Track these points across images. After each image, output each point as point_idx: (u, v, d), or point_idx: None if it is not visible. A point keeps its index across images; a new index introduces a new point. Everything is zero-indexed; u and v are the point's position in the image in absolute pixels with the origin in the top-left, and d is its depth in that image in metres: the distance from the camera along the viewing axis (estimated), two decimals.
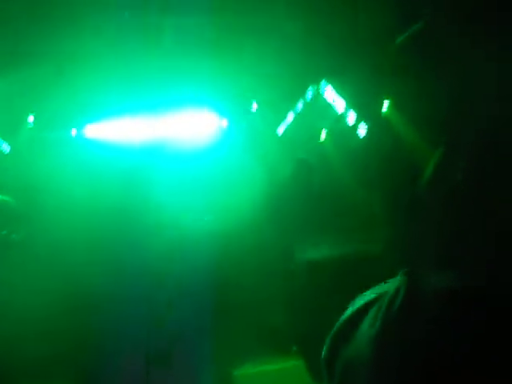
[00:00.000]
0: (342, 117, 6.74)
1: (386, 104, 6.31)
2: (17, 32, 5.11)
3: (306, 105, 6.75)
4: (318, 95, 6.65)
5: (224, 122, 7.06)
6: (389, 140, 5.99)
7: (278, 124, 7.19)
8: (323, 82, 6.52)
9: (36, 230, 5.27)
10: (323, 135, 7.12)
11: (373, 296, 0.80)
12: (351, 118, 6.68)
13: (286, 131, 7.13)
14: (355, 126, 6.54)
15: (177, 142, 6.92)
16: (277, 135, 7.19)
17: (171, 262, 5.27)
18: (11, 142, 6.68)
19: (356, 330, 0.79)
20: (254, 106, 7.01)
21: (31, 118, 6.64)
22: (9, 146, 6.70)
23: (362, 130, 6.57)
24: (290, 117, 7.04)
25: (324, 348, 0.84)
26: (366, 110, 6.55)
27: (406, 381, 0.69)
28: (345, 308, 0.88)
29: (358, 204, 5.79)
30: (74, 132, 6.90)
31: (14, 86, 5.67)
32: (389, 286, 0.77)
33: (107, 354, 4.43)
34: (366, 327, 0.78)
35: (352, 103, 6.65)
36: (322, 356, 0.84)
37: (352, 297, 0.88)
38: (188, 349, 4.82)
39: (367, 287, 0.84)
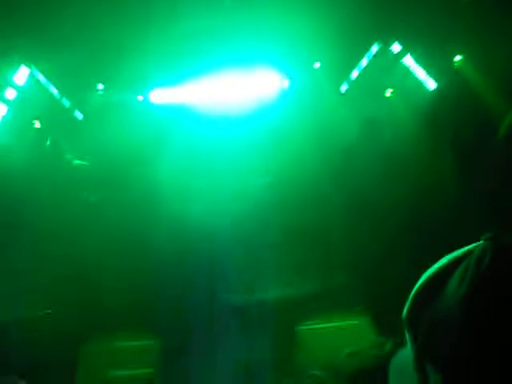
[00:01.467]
0: (410, 72, 6.46)
1: (458, 57, 5.97)
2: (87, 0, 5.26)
3: (370, 61, 6.50)
4: (383, 51, 6.38)
5: (286, 82, 6.98)
6: (463, 93, 5.68)
7: (341, 82, 7.00)
8: (389, 38, 6.24)
9: (110, 193, 5.56)
10: (389, 92, 6.87)
11: (458, 255, 0.79)
12: (420, 72, 6.39)
13: (349, 89, 6.94)
14: (424, 81, 6.26)
15: (239, 102, 6.94)
16: (340, 93, 7.01)
17: (237, 225, 5.38)
18: (83, 109, 7.03)
19: (441, 290, 0.78)
20: (317, 65, 6.85)
21: (100, 86, 6.91)
22: (81, 113, 7.06)
23: (433, 84, 6.27)
24: (354, 74, 6.82)
25: (406, 306, 0.84)
26: (436, 64, 6.23)
27: (502, 338, 0.68)
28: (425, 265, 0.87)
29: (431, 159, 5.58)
30: (140, 97, 7.11)
31: (83, 54, 5.88)
32: (473, 247, 0.76)
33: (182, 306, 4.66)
34: (454, 287, 0.76)
35: (420, 57, 6.35)
36: (404, 315, 0.84)
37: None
38: (256, 304, 5.00)
39: None
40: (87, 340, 4.33)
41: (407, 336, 0.83)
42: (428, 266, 0.85)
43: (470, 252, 0.77)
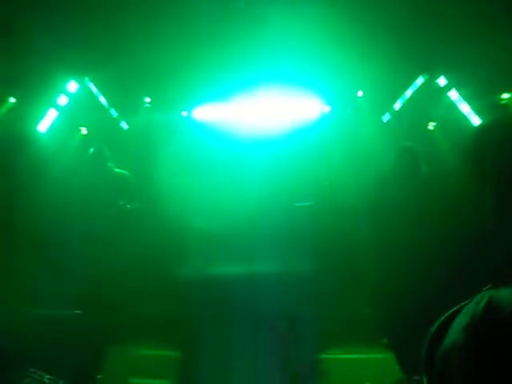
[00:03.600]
0: (455, 106, 6.39)
1: (505, 95, 5.88)
2: (140, 18, 5.50)
3: (414, 93, 6.48)
4: (428, 83, 6.36)
5: (328, 107, 7.03)
6: (509, 132, 5.56)
7: (383, 111, 6.99)
8: (436, 71, 6.21)
9: (147, 202, 5.69)
10: (432, 124, 6.80)
11: (462, 304, 0.86)
12: (465, 107, 6.31)
13: (391, 119, 6.92)
14: (469, 116, 6.18)
15: (280, 124, 7.02)
16: (382, 122, 7.00)
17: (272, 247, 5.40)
18: (129, 120, 7.28)
19: (449, 328, 0.84)
20: (360, 93, 6.88)
21: (148, 99, 7.14)
22: (127, 124, 7.31)
23: (477, 120, 6.18)
24: (397, 104, 6.80)
25: (422, 351, 0.89)
26: (482, 100, 6.15)
27: (501, 362, 0.73)
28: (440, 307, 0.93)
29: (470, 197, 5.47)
30: (184, 113, 7.30)
31: (134, 68, 6.12)
32: (476, 296, 0.83)
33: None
34: (458, 321, 0.83)
35: (466, 93, 6.28)
36: (422, 359, 0.89)
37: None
38: (278, 330, 4.96)
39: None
40: (113, 344, 4.40)
41: (426, 380, 0.88)
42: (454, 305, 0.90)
43: (472, 299, 0.84)
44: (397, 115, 6.80)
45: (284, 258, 5.35)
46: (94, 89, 6.69)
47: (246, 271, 5.22)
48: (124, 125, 7.31)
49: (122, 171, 5.39)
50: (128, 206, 5.15)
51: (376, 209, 5.36)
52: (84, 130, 7.06)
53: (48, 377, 2.75)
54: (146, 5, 5.33)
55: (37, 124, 6.38)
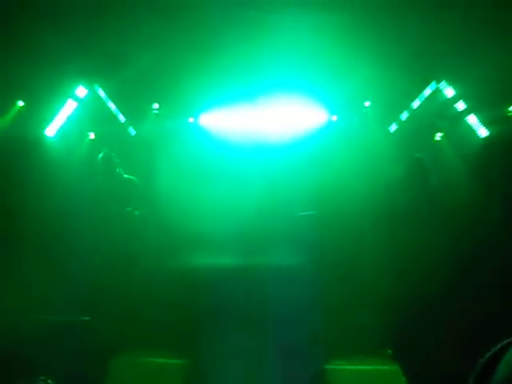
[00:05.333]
0: (462, 116, 6.40)
1: None
2: (149, 25, 5.53)
3: (422, 103, 6.49)
4: (436, 94, 6.37)
5: (334, 116, 7.04)
6: None
7: (390, 121, 7.00)
8: (443, 81, 6.22)
9: (155, 208, 5.71)
10: (439, 135, 6.81)
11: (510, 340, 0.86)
12: (472, 118, 6.32)
13: (398, 129, 6.92)
14: (476, 127, 6.19)
15: (286, 135, 7.03)
16: (389, 133, 7.01)
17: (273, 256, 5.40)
18: (136, 126, 7.30)
19: (499, 363, 0.85)
20: (367, 103, 6.89)
21: (156, 106, 7.17)
22: (134, 130, 7.33)
23: (484, 131, 6.19)
24: (404, 115, 6.81)
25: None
26: (490, 111, 6.16)
27: None
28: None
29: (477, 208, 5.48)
30: (191, 120, 7.32)
31: (142, 74, 6.15)
32: None
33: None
34: (510, 356, 0.84)
35: (472, 103, 6.29)
36: None
37: None
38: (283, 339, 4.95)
39: None
40: (120, 352, 4.39)
41: None
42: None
43: None
44: (404, 125, 6.81)
45: (288, 266, 5.35)
46: (102, 94, 6.72)
47: (250, 278, 5.22)
48: (132, 131, 7.33)
49: (130, 177, 5.41)
50: (136, 212, 5.16)
51: (383, 218, 5.36)
52: (92, 136, 7.09)
53: None
54: (156, 12, 5.35)
55: (45, 128, 6.41)
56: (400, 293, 5.09)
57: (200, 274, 5.17)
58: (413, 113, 6.66)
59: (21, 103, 6.20)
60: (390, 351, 5.01)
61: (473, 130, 6.31)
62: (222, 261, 5.42)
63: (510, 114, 5.99)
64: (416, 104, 6.57)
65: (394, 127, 6.99)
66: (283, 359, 4.58)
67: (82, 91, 6.54)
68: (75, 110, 6.57)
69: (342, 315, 5.24)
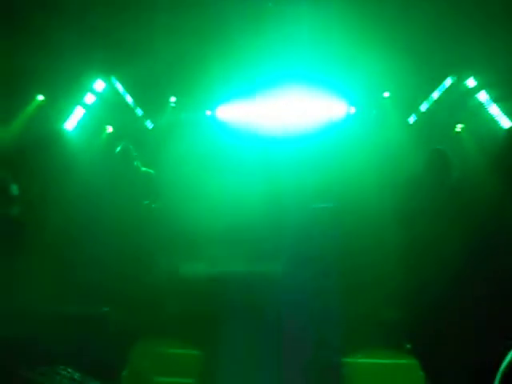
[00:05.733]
0: (483, 108, 6.26)
1: None
2: (166, 17, 5.54)
3: (442, 94, 6.37)
4: (456, 85, 6.24)
5: (353, 108, 6.97)
6: None
7: (410, 113, 6.89)
8: (464, 72, 6.11)
9: (170, 202, 5.73)
10: (460, 126, 6.68)
11: None
12: (494, 109, 6.19)
13: (418, 121, 6.81)
14: (498, 118, 6.06)
15: (304, 126, 6.99)
16: (408, 124, 6.90)
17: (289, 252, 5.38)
18: (154, 119, 7.33)
19: None
20: (386, 94, 6.79)
21: (173, 99, 7.18)
22: (152, 123, 7.37)
23: (507, 123, 6.05)
24: (424, 106, 6.70)
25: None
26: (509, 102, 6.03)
27: None
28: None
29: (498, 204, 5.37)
30: (208, 113, 7.32)
31: (159, 68, 6.16)
32: None
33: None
34: None
35: (494, 94, 6.16)
36: None
37: None
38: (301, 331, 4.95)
39: None
40: (139, 341, 4.46)
41: None
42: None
43: None
44: (424, 117, 6.70)
45: (303, 258, 5.32)
46: (120, 88, 6.75)
47: (262, 271, 5.22)
48: (149, 124, 7.36)
49: (148, 170, 5.43)
50: (153, 205, 5.18)
51: (403, 211, 5.29)
52: (110, 129, 7.14)
53: (78, 374, 2.78)
54: (173, 4, 5.36)
55: (64, 122, 6.48)
56: (418, 287, 5.04)
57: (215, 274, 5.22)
58: (433, 104, 6.55)
59: (40, 97, 6.27)
60: (408, 346, 4.97)
61: (495, 121, 6.17)
62: (237, 259, 5.44)
63: None
64: (436, 95, 6.45)
65: (413, 118, 6.89)
66: (299, 353, 4.58)
67: (100, 85, 6.59)
68: (93, 103, 6.62)
69: (361, 309, 5.21)
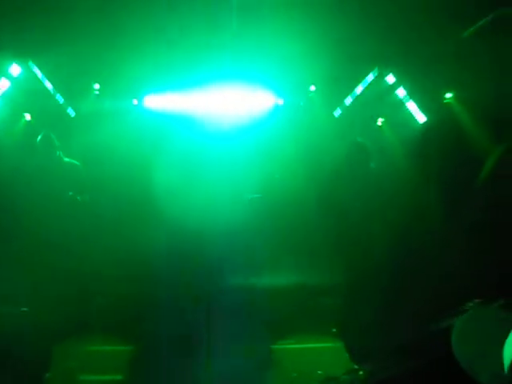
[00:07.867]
0: (402, 103, 6.63)
1: (448, 94, 6.17)
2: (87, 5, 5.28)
3: (365, 89, 6.66)
4: (378, 80, 6.55)
5: (280, 100, 7.08)
6: (450, 130, 5.86)
7: (335, 107, 7.13)
8: (385, 68, 6.41)
9: (98, 193, 5.52)
10: (381, 120, 7.03)
11: None
12: (411, 105, 6.57)
13: (342, 114, 7.08)
14: (415, 114, 6.45)
15: (231, 118, 7.00)
16: (333, 117, 7.15)
17: (222, 240, 5.41)
18: (76, 107, 6.99)
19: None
20: (312, 88, 6.97)
21: (97, 86, 6.88)
22: (74, 111, 7.02)
23: (422, 118, 6.45)
24: (348, 100, 6.96)
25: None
26: (428, 98, 6.42)
27: None
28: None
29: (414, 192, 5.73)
30: (135, 102, 7.11)
31: (82, 53, 5.87)
32: None
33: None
34: None
35: (413, 90, 6.53)
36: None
37: None
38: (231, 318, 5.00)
39: None
40: (63, 339, 4.28)
41: None
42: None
43: None
44: (348, 110, 6.97)
45: (233, 247, 5.38)
46: (38, 73, 6.36)
47: (194, 262, 5.22)
48: (71, 112, 7.01)
49: (72, 161, 5.18)
50: (78, 197, 4.97)
51: (326, 203, 5.49)
52: (28, 116, 6.71)
53: None
54: None
55: None
56: (343, 276, 5.27)
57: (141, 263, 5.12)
58: (356, 98, 6.82)
59: None
60: (334, 330, 5.20)
61: (412, 116, 6.55)
62: (165, 247, 5.37)
63: (446, 101, 6.27)
64: (359, 89, 6.73)
65: (338, 112, 7.14)
66: (228, 343, 4.63)
67: (15, 69, 6.16)
68: (9, 89, 6.18)
69: (289, 298, 5.36)
